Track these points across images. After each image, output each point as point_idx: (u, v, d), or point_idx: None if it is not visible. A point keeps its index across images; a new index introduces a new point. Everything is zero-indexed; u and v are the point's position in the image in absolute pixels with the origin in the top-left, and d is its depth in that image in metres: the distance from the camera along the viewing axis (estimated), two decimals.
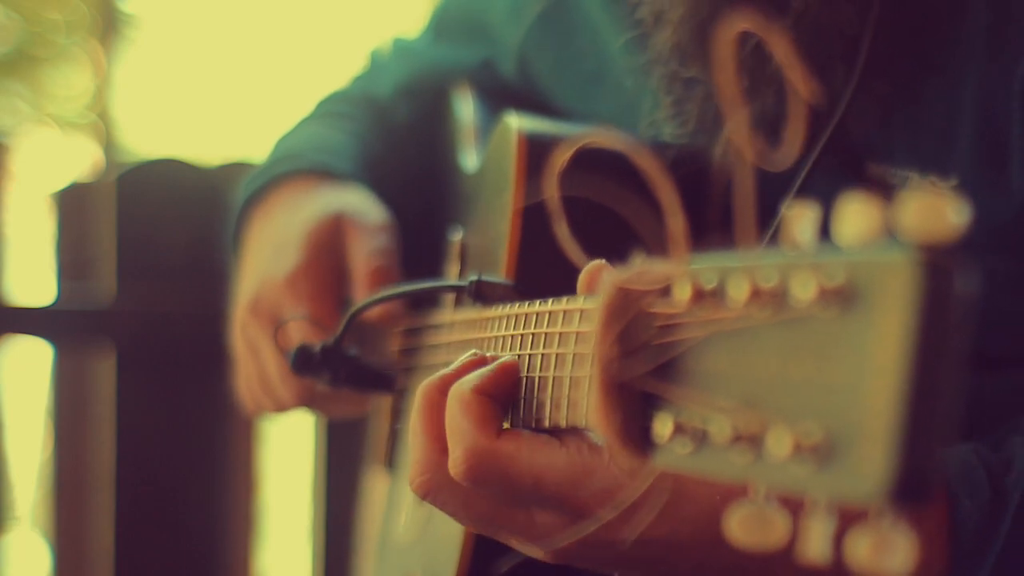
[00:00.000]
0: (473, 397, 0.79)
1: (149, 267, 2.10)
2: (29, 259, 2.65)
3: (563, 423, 0.76)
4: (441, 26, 1.42)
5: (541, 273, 0.93)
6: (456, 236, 1.18)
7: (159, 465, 2.12)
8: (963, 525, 0.87)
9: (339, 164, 1.31)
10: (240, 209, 1.33)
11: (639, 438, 0.58)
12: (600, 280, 0.61)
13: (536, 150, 1.01)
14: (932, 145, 0.96)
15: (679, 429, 0.55)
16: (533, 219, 0.98)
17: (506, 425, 0.82)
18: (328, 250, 1.21)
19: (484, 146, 1.20)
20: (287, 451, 2.55)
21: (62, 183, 2.34)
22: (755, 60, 0.94)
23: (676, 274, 0.56)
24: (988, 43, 0.94)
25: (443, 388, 0.82)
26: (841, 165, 0.99)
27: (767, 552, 0.50)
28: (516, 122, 1.04)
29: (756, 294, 0.51)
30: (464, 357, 0.84)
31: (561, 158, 0.63)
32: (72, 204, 2.26)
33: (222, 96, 7.03)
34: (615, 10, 1.12)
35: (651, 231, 0.60)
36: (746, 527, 0.50)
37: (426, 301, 1.20)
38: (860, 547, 0.46)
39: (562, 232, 0.64)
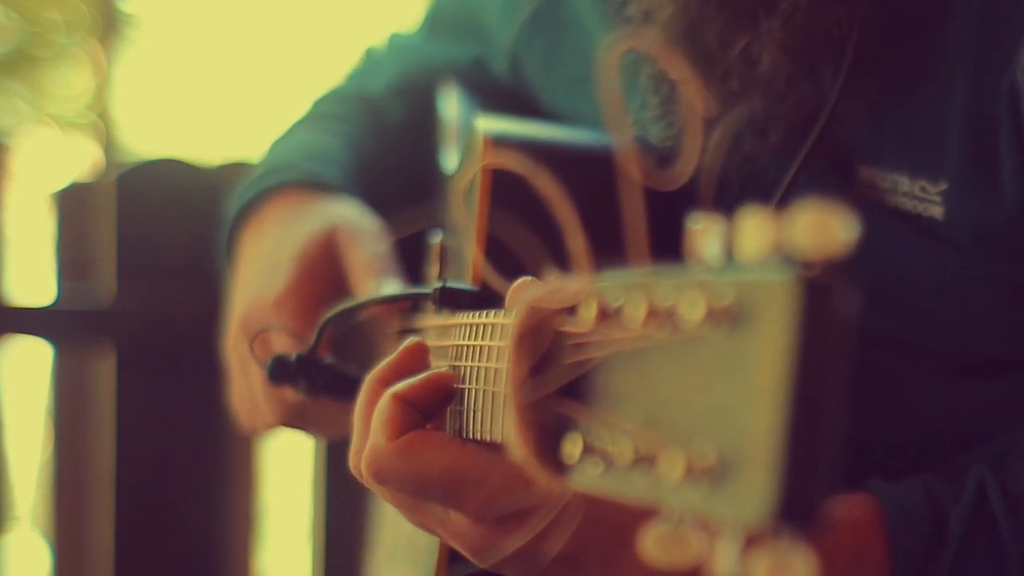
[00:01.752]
0: (390, 401, 0.83)
1: (149, 267, 2.10)
2: (29, 259, 2.65)
3: (490, 437, 0.77)
4: (435, 23, 1.41)
5: (505, 278, 0.95)
6: (436, 239, 1.19)
7: (159, 465, 2.12)
8: (903, 564, 0.87)
9: (329, 172, 1.30)
10: (232, 222, 1.32)
11: (554, 458, 0.58)
12: (515, 297, 0.61)
13: (501, 153, 1.00)
14: (922, 149, 0.95)
15: (588, 450, 0.55)
16: (497, 224, 0.98)
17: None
18: (321, 268, 1.21)
19: (462, 147, 1.21)
20: (287, 451, 2.55)
21: (62, 183, 2.34)
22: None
23: (582, 292, 0.56)
24: (977, 48, 0.93)
25: (381, 378, 0.86)
26: (830, 169, 0.98)
27: (682, 570, 0.50)
28: (484, 124, 1.04)
29: (653, 313, 0.50)
30: (401, 347, 0.87)
31: (464, 180, 0.63)
32: (72, 204, 2.26)
33: (222, 96, 7.03)
34: (604, 8, 1.12)
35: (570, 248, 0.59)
36: (661, 546, 0.49)
37: (419, 304, 1.20)
38: (759, 568, 0.45)
39: (477, 257, 0.64)
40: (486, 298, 0.93)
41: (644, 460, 0.50)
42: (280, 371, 1.11)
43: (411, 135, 1.39)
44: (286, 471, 2.68)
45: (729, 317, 0.47)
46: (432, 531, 0.88)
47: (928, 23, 0.95)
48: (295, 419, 1.24)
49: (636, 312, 0.51)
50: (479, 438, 0.80)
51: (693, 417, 0.49)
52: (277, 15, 7.11)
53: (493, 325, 0.79)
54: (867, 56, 0.94)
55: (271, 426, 1.27)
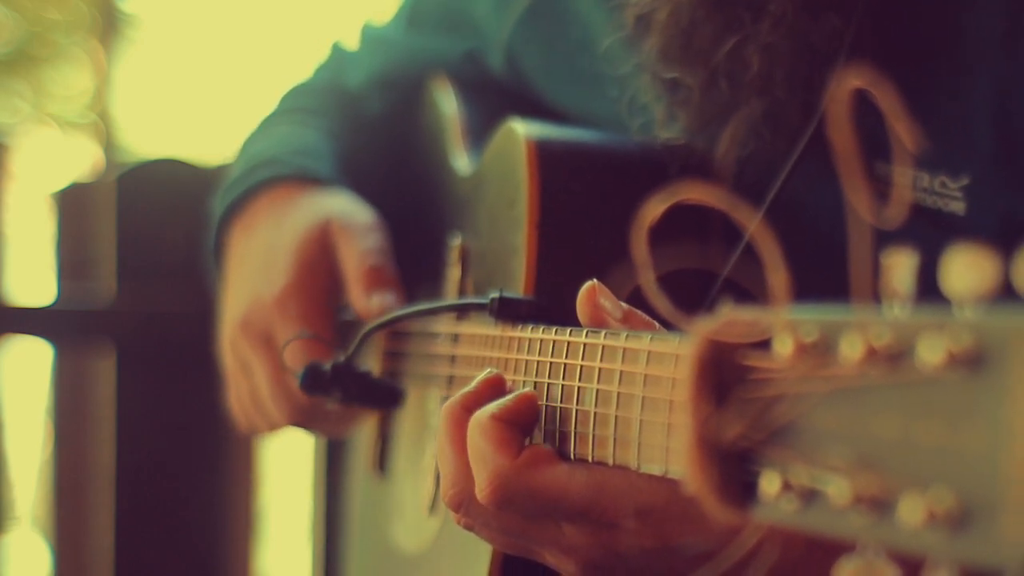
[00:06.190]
0: (491, 423, 0.82)
1: (149, 267, 2.10)
2: (29, 259, 2.65)
3: (633, 463, 0.75)
4: (415, 16, 1.37)
5: (561, 289, 0.93)
6: (455, 241, 1.17)
7: (159, 465, 2.12)
8: None
9: (319, 167, 1.29)
10: (219, 219, 1.30)
11: (737, 493, 0.56)
12: (693, 330, 0.59)
13: (548, 160, 0.99)
14: (942, 145, 0.95)
15: (787, 487, 0.53)
16: (551, 233, 0.97)
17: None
18: (318, 263, 1.20)
19: (479, 147, 1.19)
20: (287, 451, 2.55)
21: (62, 183, 2.34)
22: (735, 65, 0.94)
23: (776, 327, 0.53)
24: (1003, 39, 0.93)
25: (466, 405, 0.86)
26: (844, 165, 0.98)
27: None
28: (523, 129, 1.02)
29: (871, 353, 0.49)
30: (481, 376, 0.87)
31: (652, 213, 0.60)
32: (72, 204, 2.26)
33: (222, 96, 7.03)
34: (607, 7, 1.11)
35: (745, 282, 0.57)
36: None
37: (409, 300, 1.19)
38: None
39: (649, 285, 0.61)
40: (544, 309, 0.93)
41: (866, 500, 0.49)
42: (313, 380, 1.07)
43: (390, 129, 1.37)
44: (286, 471, 2.69)
45: (967, 361, 0.46)
46: (535, 554, 0.87)
47: (946, 21, 0.95)
48: (305, 419, 1.23)
49: (852, 351, 0.49)
50: (594, 460, 0.79)
51: (924, 459, 0.48)
52: (277, 15, 7.11)
53: (627, 349, 0.76)
54: (873, 57, 0.94)
55: (278, 426, 1.25)
